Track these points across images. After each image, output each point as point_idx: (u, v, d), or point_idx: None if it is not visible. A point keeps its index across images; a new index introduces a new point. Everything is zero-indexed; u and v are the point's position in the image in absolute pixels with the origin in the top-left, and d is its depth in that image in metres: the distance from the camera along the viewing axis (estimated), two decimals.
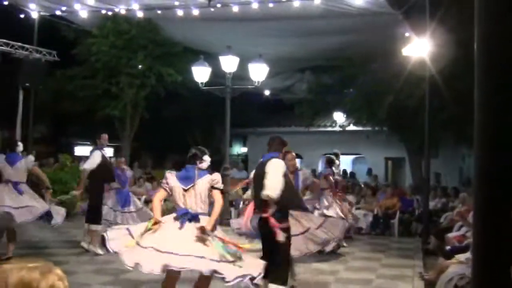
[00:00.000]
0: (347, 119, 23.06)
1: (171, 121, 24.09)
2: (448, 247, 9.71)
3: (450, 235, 10.67)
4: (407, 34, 14.05)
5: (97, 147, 11.01)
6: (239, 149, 29.13)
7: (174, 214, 6.10)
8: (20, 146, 10.13)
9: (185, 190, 6.14)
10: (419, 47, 12.63)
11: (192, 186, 6.12)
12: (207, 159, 6.26)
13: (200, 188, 6.13)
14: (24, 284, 1.93)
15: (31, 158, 10.27)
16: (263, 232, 6.70)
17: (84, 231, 10.87)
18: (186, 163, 6.33)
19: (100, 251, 10.28)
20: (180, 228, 5.87)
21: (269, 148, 7.07)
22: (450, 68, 13.05)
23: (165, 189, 6.29)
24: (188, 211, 6.02)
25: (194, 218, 5.98)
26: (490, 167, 2.93)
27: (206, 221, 5.94)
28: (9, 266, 1.98)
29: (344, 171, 21.36)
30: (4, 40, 14.94)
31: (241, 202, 14.00)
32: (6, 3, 15.33)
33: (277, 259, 6.44)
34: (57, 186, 15.66)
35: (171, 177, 6.24)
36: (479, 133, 2.98)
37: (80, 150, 24.75)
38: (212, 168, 6.54)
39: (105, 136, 11.09)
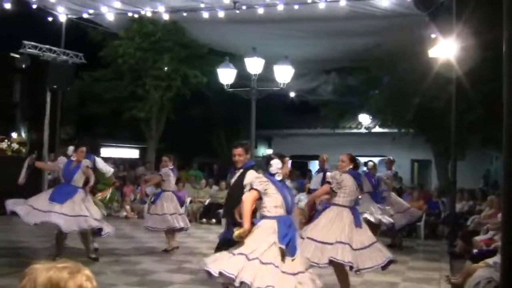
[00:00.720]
0: (372, 121, 22.95)
1: (197, 123, 24.17)
2: (475, 251, 9.61)
3: (478, 238, 10.55)
4: (433, 36, 13.93)
5: None
6: (264, 151, 29.07)
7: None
8: (69, 150, 10.13)
9: None
10: (446, 49, 12.51)
11: None
12: (274, 163, 5.96)
13: None
14: (52, 284, 1.95)
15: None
16: None
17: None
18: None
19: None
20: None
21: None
22: (477, 69, 12.91)
23: None
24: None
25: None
26: None
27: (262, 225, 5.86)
28: (38, 266, 2.00)
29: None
30: (32, 43, 15.11)
31: None
32: (34, 6, 15.53)
33: None
34: None
35: None
36: (507, 135, 2.95)
37: (106, 152, 24.92)
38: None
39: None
